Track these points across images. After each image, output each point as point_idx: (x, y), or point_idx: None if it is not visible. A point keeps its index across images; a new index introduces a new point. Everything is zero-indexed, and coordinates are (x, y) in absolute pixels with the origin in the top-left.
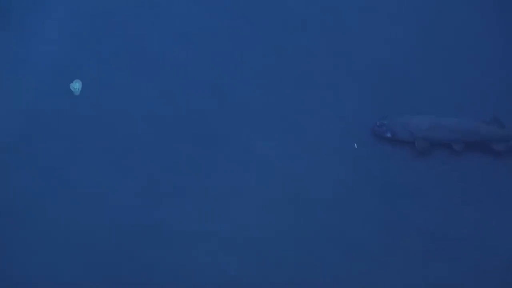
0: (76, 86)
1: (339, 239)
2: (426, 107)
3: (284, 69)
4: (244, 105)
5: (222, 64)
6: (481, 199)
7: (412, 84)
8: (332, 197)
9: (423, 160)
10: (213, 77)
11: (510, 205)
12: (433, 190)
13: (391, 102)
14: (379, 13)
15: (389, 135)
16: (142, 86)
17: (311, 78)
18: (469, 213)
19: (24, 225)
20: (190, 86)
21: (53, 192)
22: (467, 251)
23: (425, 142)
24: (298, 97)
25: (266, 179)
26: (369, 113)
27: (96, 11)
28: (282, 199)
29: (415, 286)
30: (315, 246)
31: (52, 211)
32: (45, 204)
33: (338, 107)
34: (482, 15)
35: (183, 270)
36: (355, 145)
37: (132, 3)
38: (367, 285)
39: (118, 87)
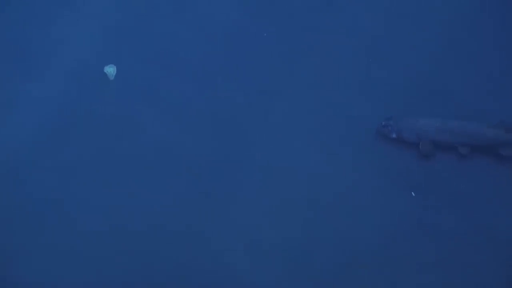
0: (110, 70)
1: (342, 238)
2: (432, 108)
3: (295, 71)
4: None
5: (246, 66)
6: (486, 203)
7: (418, 85)
8: (332, 198)
9: (428, 162)
10: (237, 78)
11: None
12: (437, 192)
13: (396, 102)
14: (389, 13)
15: (394, 135)
16: (169, 85)
17: (320, 78)
18: (474, 217)
19: (36, 221)
20: (213, 87)
21: (70, 188)
22: (474, 254)
23: (429, 145)
24: (306, 97)
25: (270, 181)
26: (375, 113)
27: (127, 11)
28: (285, 201)
29: (422, 287)
30: (321, 247)
31: (68, 205)
32: (62, 199)
33: (342, 107)
34: (488, 18)
35: (202, 271)
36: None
37: (164, 3)
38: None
39: (147, 86)
